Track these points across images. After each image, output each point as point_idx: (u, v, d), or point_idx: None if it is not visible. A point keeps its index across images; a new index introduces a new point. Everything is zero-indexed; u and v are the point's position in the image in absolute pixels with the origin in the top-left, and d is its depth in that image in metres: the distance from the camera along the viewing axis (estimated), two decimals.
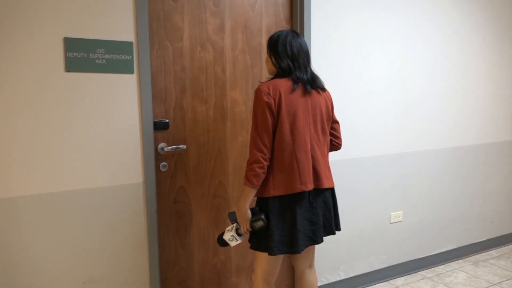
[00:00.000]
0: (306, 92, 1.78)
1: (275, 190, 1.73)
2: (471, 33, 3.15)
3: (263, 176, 1.71)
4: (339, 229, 1.92)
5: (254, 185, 1.70)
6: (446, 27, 3.00)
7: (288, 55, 1.79)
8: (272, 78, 1.80)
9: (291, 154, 1.74)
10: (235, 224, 1.83)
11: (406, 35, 2.81)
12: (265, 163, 1.71)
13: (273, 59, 1.82)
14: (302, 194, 1.76)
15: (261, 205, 1.78)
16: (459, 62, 3.10)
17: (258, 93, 1.72)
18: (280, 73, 1.80)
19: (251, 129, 1.74)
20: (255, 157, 1.70)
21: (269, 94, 1.71)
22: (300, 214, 1.75)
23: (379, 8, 2.66)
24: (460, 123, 3.16)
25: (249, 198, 1.73)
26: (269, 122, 1.71)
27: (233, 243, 1.83)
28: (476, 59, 3.20)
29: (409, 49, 2.83)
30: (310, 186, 1.77)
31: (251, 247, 1.81)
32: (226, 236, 1.83)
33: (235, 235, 1.82)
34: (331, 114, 1.90)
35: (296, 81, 1.77)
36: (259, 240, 1.78)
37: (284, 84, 1.75)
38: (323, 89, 1.87)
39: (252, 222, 1.75)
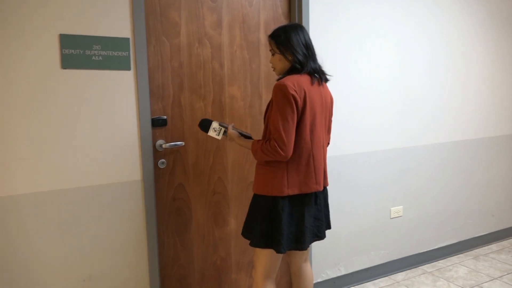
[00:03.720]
0: (319, 85, 1.77)
1: (290, 189, 1.70)
2: (471, 27, 3.12)
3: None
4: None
5: (258, 160, 1.75)
6: (446, 20, 2.98)
7: (304, 45, 1.74)
8: (287, 75, 1.74)
9: (309, 154, 1.73)
10: (224, 128, 1.90)
11: (405, 27, 2.79)
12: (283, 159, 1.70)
13: (288, 55, 1.74)
14: (311, 192, 1.77)
15: (268, 204, 1.73)
16: (458, 56, 3.08)
17: (282, 88, 1.64)
18: (297, 68, 1.73)
19: (275, 123, 1.65)
20: (280, 155, 1.65)
21: (295, 90, 1.65)
22: (308, 211, 1.77)
23: (377, 1, 2.64)
24: (460, 117, 3.15)
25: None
26: (295, 120, 1.66)
27: (212, 134, 1.88)
28: (476, 53, 3.18)
29: (408, 41, 2.81)
30: (321, 186, 1.79)
31: (255, 245, 1.77)
32: (214, 125, 1.89)
33: (220, 132, 1.89)
34: (332, 111, 1.91)
35: (312, 73, 1.74)
36: (263, 238, 1.75)
37: (304, 80, 1.71)
38: (327, 81, 1.86)
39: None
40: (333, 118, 2.50)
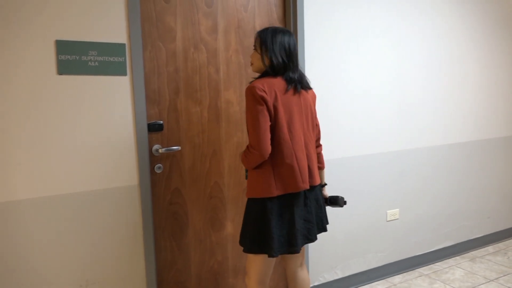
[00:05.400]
0: (296, 92, 1.78)
1: (278, 189, 1.71)
2: (466, 30, 3.15)
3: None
4: (327, 223, 1.95)
5: (247, 167, 1.77)
6: (440, 23, 3.00)
7: (286, 53, 1.76)
8: (261, 77, 1.77)
9: (291, 153, 1.73)
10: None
11: (401, 31, 2.81)
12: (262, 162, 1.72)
13: (266, 56, 1.75)
14: (299, 193, 1.75)
15: (257, 207, 1.73)
16: (454, 59, 3.11)
17: (251, 90, 1.67)
18: (270, 71, 1.76)
19: (247, 125, 1.70)
20: (256, 156, 1.68)
21: (264, 91, 1.67)
22: (297, 213, 1.75)
23: (372, 4, 2.67)
24: (455, 120, 3.17)
25: None
26: (267, 118, 1.67)
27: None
28: (470, 56, 3.21)
29: (403, 45, 2.84)
30: (308, 184, 1.78)
31: (248, 251, 1.76)
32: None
33: None
34: (314, 108, 1.92)
35: (289, 81, 1.76)
36: (255, 243, 1.74)
37: (277, 83, 1.73)
38: (309, 88, 1.88)
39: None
40: (329, 121, 2.53)
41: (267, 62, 1.76)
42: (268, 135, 1.67)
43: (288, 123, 1.73)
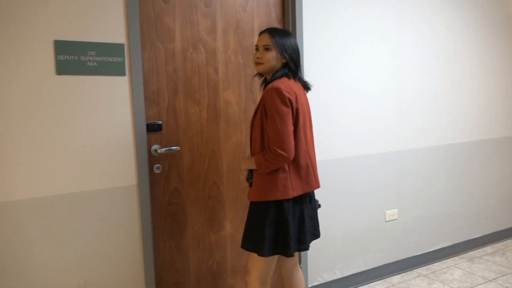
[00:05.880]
0: (305, 93, 1.85)
1: (294, 190, 1.73)
2: (464, 30, 3.16)
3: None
4: None
5: (266, 171, 1.71)
6: (439, 24, 3.01)
7: (297, 53, 1.81)
8: (275, 78, 1.75)
9: (306, 154, 1.77)
10: None
11: (399, 31, 2.82)
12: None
13: (284, 57, 1.75)
14: (307, 192, 1.82)
15: (273, 209, 1.72)
16: (452, 59, 3.11)
17: (277, 91, 1.65)
18: (285, 73, 1.76)
19: (273, 127, 1.66)
20: (283, 158, 1.66)
21: (288, 92, 1.68)
22: (306, 211, 1.81)
23: (371, 5, 2.67)
24: (454, 120, 3.17)
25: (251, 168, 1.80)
26: (291, 120, 1.69)
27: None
28: (469, 56, 3.21)
29: (402, 45, 2.84)
30: (319, 183, 1.86)
31: (266, 255, 1.73)
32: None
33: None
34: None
35: (301, 82, 1.83)
36: (274, 245, 1.74)
37: (293, 85, 1.75)
38: (308, 90, 1.93)
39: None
40: (329, 121, 2.56)
41: (285, 62, 1.78)
42: (293, 137, 1.69)
43: (303, 125, 1.77)
